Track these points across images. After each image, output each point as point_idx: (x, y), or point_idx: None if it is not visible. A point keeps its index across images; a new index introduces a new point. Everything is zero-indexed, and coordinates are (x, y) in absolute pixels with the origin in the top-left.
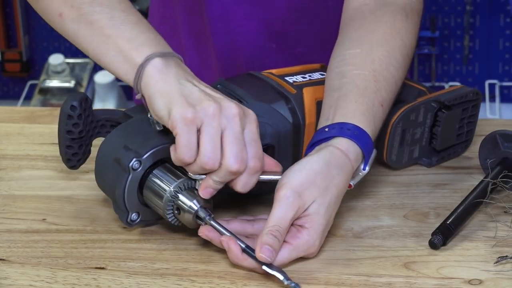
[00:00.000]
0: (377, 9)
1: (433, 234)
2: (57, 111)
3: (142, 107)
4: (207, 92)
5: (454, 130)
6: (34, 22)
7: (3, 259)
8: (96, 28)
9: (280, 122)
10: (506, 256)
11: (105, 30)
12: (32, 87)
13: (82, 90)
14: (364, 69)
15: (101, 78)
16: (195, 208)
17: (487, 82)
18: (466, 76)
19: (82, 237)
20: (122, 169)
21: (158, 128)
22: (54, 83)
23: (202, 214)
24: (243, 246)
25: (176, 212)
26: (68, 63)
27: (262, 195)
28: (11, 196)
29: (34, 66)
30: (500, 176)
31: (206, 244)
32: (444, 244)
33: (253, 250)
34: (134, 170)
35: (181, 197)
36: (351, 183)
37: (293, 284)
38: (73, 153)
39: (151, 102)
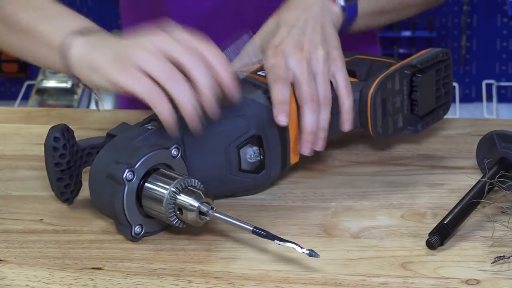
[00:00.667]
0: None
1: (430, 234)
2: (54, 111)
3: (125, 124)
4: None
5: (432, 93)
6: None
7: (0, 260)
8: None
9: (262, 111)
10: (504, 256)
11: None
12: (29, 87)
13: (79, 90)
14: None
15: None
16: (196, 204)
17: (484, 82)
18: (464, 76)
19: (79, 237)
20: (116, 183)
21: (100, 108)
22: (51, 83)
23: (204, 208)
24: (250, 228)
25: (178, 213)
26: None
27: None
28: (8, 197)
29: (31, 67)
30: (497, 176)
31: (204, 244)
32: (441, 244)
33: (263, 230)
34: (129, 181)
35: (180, 197)
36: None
37: (307, 251)
38: (65, 185)
39: (88, 78)
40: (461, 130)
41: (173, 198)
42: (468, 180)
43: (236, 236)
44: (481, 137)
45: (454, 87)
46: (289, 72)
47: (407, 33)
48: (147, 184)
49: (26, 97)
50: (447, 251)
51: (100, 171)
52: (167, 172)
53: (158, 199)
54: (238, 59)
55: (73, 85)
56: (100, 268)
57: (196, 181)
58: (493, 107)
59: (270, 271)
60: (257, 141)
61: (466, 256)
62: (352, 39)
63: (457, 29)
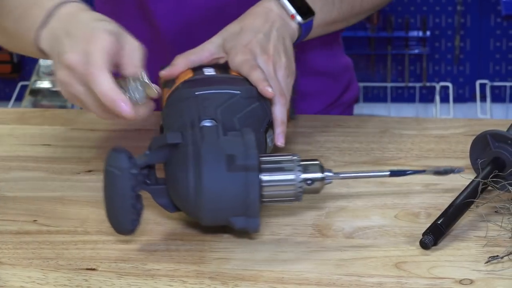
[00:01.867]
0: None
1: (424, 234)
2: (48, 112)
3: (161, 136)
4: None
5: None
6: None
7: None
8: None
9: (248, 91)
10: (497, 256)
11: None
12: (23, 88)
13: None
14: None
15: None
16: (323, 175)
17: (478, 82)
18: (457, 76)
19: (73, 238)
20: (252, 175)
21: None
22: (45, 84)
23: (330, 174)
24: (387, 173)
25: (307, 184)
26: None
27: None
28: (1, 198)
29: (25, 67)
30: (490, 176)
31: (198, 244)
32: (435, 244)
33: (399, 170)
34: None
35: (305, 175)
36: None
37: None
38: (138, 211)
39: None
40: (454, 130)
41: (301, 180)
42: (462, 180)
43: (230, 236)
44: (474, 137)
45: (448, 87)
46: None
47: (400, 33)
48: (266, 177)
49: (19, 98)
50: (441, 251)
51: (219, 167)
52: (270, 159)
53: (286, 185)
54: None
55: None
56: (94, 269)
57: (297, 154)
58: (487, 107)
59: (264, 271)
60: (272, 125)
61: (459, 256)
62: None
63: (451, 29)
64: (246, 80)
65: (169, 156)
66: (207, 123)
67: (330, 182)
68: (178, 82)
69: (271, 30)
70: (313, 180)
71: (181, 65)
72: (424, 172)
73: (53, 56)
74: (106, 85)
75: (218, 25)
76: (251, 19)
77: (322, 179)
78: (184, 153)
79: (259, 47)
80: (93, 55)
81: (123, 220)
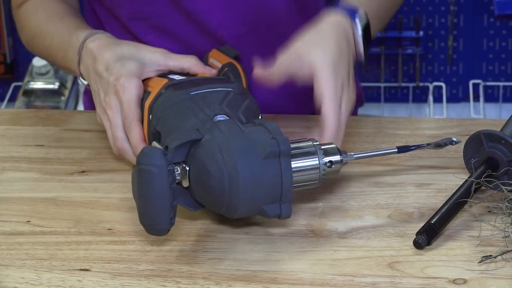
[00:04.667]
0: None
1: (417, 234)
2: (41, 113)
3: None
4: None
5: None
6: None
7: None
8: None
9: (239, 87)
10: (490, 255)
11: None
12: (16, 89)
13: (67, 91)
14: None
15: None
16: (340, 158)
17: (471, 82)
18: (450, 76)
19: (66, 239)
20: (285, 161)
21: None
22: (38, 84)
23: (346, 157)
24: (395, 150)
25: (328, 166)
26: (52, 64)
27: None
28: None
29: (18, 68)
30: (484, 176)
31: (191, 245)
32: (428, 244)
33: (406, 146)
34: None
35: (326, 158)
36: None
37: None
38: (174, 208)
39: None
40: (448, 130)
41: (324, 163)
42: (455, 180)
43: (224, 237)
44: (468, 136)
45: (441, 87)
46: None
47: (394, 33)
48: (294, 164)
49: (13, 99)
50: (434, 251)
51: (253, 156)
52: (292, 145)
53: (312, 169)
54: None
55: (60, 87)
56: (87, 270)
57: (314, 138)
58: (480, 107)
59: (257, 271)
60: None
61: (453, 255)
62: None
63: (444, 29)
64: (227, 79)
65: (189, 154)
66: (221, 117)
67: (346, 163)
68: (155, 90)
69: (349, 58)
70: (334, 162)
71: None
72: (427, 145)
73: (93, 90)
74: (136, 138)
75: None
76: (333, 40)
77: (341, 160)
78: (210, 147)
79: (344, 83)
80: (125, 107)
81: (161, 220)
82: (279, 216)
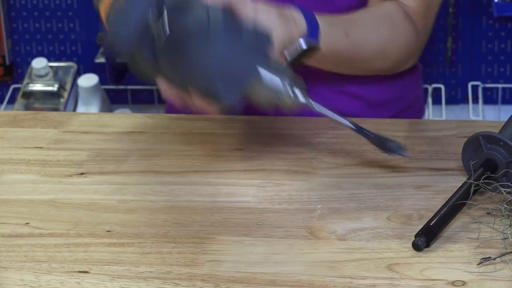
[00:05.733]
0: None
1: (416, 235)
2: (40, 115)
3: None
4: None
5: None
6: (17, 26)
7: None
8: None
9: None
10: (489, 257)
11: None
12: (15, 91)
13: (66, 93)
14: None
15: (85, 81)
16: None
17: (470, 84)
18: (449, 78)
19: (65, 241)
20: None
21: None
22: (37, 86)
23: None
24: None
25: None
26: (51, 66)
27: None
28: None
29: (17, 70)
30: (482, 178)
31: (190, 247)
32: (427, 245)
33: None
34: None
35: None
36: (284, 53)
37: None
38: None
39: None
40: (447, 132)
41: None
42: (454, 181)
43: (223, 239)
44: (467, 138)
45: (440, 89)
46: None
47: None
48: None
49: (12, 101)
50: (433, 253)
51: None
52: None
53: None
54: None
55: (59, 89)
56: (86, 272)
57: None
58: (479, 109)
59: (256, 273)
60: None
61: (452, 257)
62: None
63: (443, 31)
64: None
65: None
66: None
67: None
68: None
69: None
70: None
71: None
72: (372, 136)
73: None
74: None
75: None
76: None
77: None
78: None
79: None
80: None
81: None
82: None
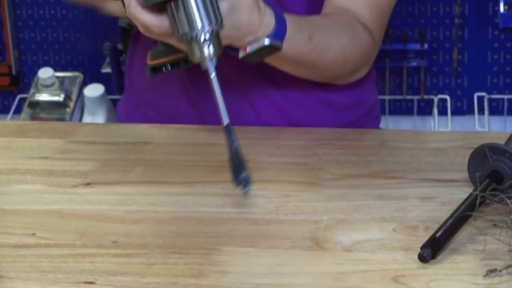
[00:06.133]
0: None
1: (422, 247)
2: (46, 125)
3: None
4: None
5: None
6: (24, 36)
7: None
8: None
9: None
10: (495, 269)
11: None
12: (22, 100)
13: (72, 103)
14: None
15: (91, 91)
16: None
17: (475, 95)
18: (455, 89)
19: (71, 251)
20: None
21: None
22: (43, 96)
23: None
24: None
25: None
26: (57, 76)
27: None
28: (0, 211)
29: (23, 80)
30: (488, 189)
31: (196, 258)
32: (433, 257)
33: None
34: None
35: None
36: (247, 47)
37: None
38: None
39: None
40: (452, 143)
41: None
42: (460, 193)
43: (228, 250)
44: (472, 150)
45: (445, 100)
46: None
47: (398, 46)
48: None
49: (18, 111)
50: (439, 264)
51: None
52: None
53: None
54: None
55: (65, 99)
56: (92, 283)
57: None
58: (485, 120)
59: (262, 284)
60: None
61: (458, 269)
62: None
63: (449, 42)
64: None
65: None
66: None
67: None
68: None
69: None
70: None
71: None
72: (233, 147)
73: None
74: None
75: None
76: None
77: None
78: None
79: None
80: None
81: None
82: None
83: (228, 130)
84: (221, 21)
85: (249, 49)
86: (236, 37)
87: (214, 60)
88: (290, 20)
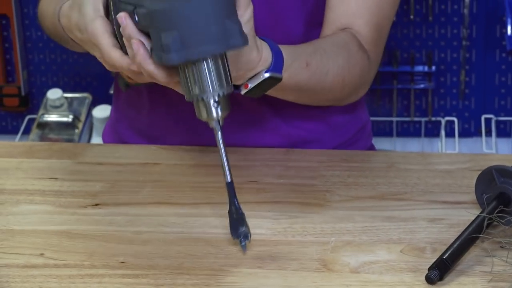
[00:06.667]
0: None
1: (429, 269)
2: (55, 146)
3: None
4: None
5: None
6: (33, 57)
7: None
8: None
9: None
10: None
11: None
12: (31, 121)
13: (80, 124)
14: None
15: (99, 112)
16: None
17: (483, 117)
18: (463, 110)
19: (80, 272)
20: None
21: None
22: (52, 117)
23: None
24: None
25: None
26: (66, 97)
27: None
28: (9, 231)
29: (32, 101)
30: (496, 211)
31: (204, 279)
32: (441, 279)
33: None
34: None
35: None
36: (248, 84)
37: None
38: None
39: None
40: (460, 165)
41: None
42: (467, 215)
43: (236, 271)
44: (480, 172)
45: (453, 122)
46: None
47: (406, 68)
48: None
49: (27, 131)
50: (446, 286)
51: None
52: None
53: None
54: None
55: (74, 119)
56: None
57: None
58: (492, 142)
59: None
60: None
61: None
62: None
63: (456, 64)
64: None
65: None
66: None
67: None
68: None
69: None
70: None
71: None
72: (236, 207)
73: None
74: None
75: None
76: None
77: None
78: None
79: None
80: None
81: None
82: None
83: (230, 187)
84: (232, 82)
85: (250, 85)
86: (237, 76)
87: (221, 117)
88: (285, 50)
